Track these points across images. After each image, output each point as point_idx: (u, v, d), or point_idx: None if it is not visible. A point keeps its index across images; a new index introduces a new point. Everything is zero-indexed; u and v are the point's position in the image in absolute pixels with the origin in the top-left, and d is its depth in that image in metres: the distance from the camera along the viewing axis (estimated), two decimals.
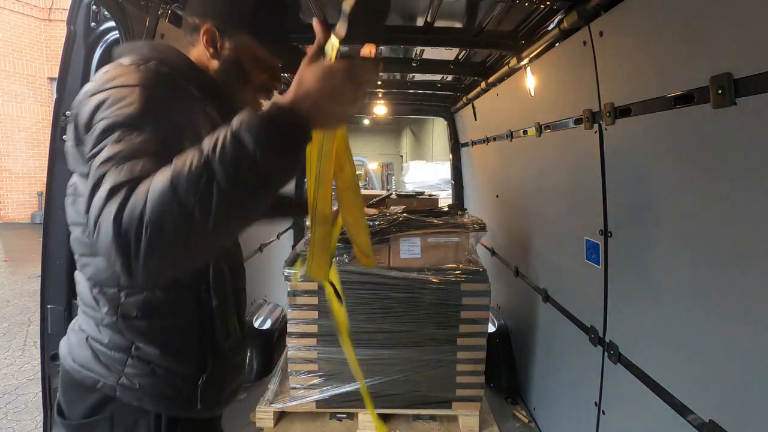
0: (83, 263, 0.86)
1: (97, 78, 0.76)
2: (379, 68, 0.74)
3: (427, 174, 11.61)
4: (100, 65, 1.57)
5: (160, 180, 0.58)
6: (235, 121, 0.61)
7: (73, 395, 0.87)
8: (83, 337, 0.87)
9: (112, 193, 0.59)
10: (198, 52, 0.93)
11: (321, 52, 0.72)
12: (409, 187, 11.11)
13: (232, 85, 0.94)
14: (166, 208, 0.56)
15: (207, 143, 0.60)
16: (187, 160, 0.59)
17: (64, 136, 1.55)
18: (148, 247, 0.56)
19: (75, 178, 0.84)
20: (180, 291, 0.84)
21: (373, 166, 12.30)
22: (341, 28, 0.69)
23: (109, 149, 0.66)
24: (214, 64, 0.93)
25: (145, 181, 0.60)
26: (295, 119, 0.64)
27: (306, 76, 0.67)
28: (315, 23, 0.74)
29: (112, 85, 0.73)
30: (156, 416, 0.85)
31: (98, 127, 0.69)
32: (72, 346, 0.88)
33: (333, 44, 0.70)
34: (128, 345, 0.84)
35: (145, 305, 0.83)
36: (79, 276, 0.89)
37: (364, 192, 3.80)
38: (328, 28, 0.73)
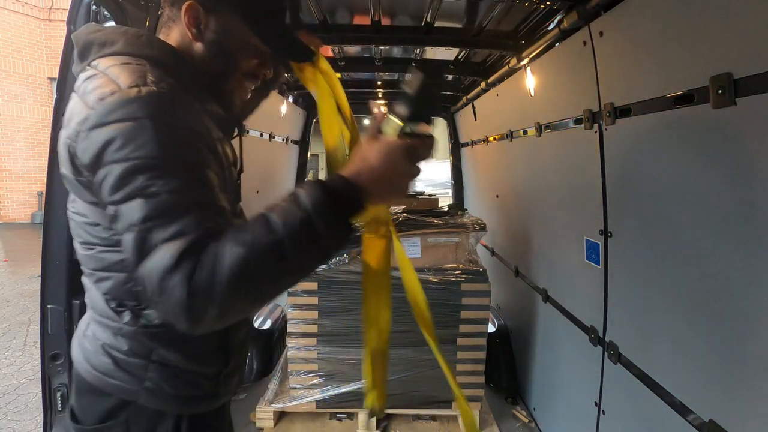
0: (99, 278, 0.85)
1: (94, 104, 0.71)
2: (435, 145, 0.77)
3: (436, 171, 11.74)
4: None
5: (230, 258, 0.62)
6: (306, 201, 0.66)
7: (90, 401, 0.87)
8: (99, 345, 0.86)
9: (179, 260, 0.62)
10: (178, 32, 0.85)
11: (379, 130, 0.75)
12: (419, 184, 11.35)
13: (219, 72, 0.88)
14: (240, 287, 0.62)
15: (276, 219, 0.65)
16: (257, 238, 0.63)
17: None
18: (218, 316, 0.63)
19: (80, 204, 0.83)
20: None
21: None
22: (403, 109, 0.74)
23: (142, 204, 0.66)
24: (198, 47, 0.85)
25: (210, 247, 0.63)
26: (359, 194, 0.69)
27: (369, 153, 0.71)
28: (371, 105, 0.80)
29: (115, 118, 0.69)
30: (175, 418, 0.86)
31: (114, 171, 0.67)
32: (88, 354, 0.87)
33: (394, 124, 0.74)
34: (148, 352, 0.84)
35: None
36: (92, 288, 0.88)
37: None
38: (388, 109, 0.77)
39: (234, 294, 0.62)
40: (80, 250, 0.87)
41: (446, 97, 4.15)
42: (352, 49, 2.96)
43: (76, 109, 0.76)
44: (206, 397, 0.90)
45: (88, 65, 0.80)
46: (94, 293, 0.88)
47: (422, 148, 0.74)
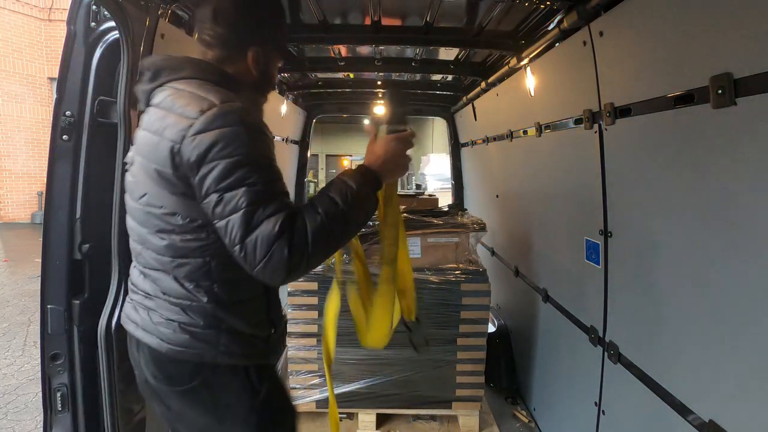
0: (178, 264, 1.04)
1: (196, 115, 0.95)
2: (414, 136, 1.14)
3: (446, 166, 11.82)
4: (100, 65, 1.57)
5: (313, 224, 0.94)
6: (351, 181, 1.02)
7: (174, 369, 1.07)
8: (175, 326, 1.05)
9: (280, 230, 0.90)
10: (238, 66, 1.15)
11: (375, 137, 1.13)
12: (430, 179, 11.69)
13: (265, 90, 1.25)
14: (321, 243, 0.95)
15: (335, 195, 0.98)
16: (327, 209, 0.96)
17: (64, 136, 1.55)
18: (306, 266, 0.95)
19: (163, 196, 1.01)
20: (254, 280, 0.98)
21: None
22: (385, 119, 1.20)
23: (246, 192, 0.92)
24: (254, 75, 1.17)
25: (298, 219, 0.94)
26: (377, 175, 1.08)
27: (374, 149, 1.11)
28: (367, 128, 1.23)
29: (217, 125, 0.93)
30: (244, 368, 1.10)
31: (220, 166, 0.92)
32: (165, 336, 1.06)
33: (382, 129, 1.15)
34: (219, 323, 1.06)
35: (233, 292, 1.07)
36: (164, 276, 1.06)
37: None
38: (376, 123, 1.20)
39: (318, 249, 0.94)
40: (154, 240, 1.05)
41: (446, 96, 4.16)
42: (352, 49, 2.96)
43: (169, 120, 0.98)
44: (262, 354, 1.16)
45: (161, 86, 1.07)
46: (166, 280, 1.06)
47: (405, 136, 1.12)
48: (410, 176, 13.14)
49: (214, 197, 0.93)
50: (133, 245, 1.14)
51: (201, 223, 1.01)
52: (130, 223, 1.12)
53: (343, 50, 2.91)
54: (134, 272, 1.17)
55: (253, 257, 0.91)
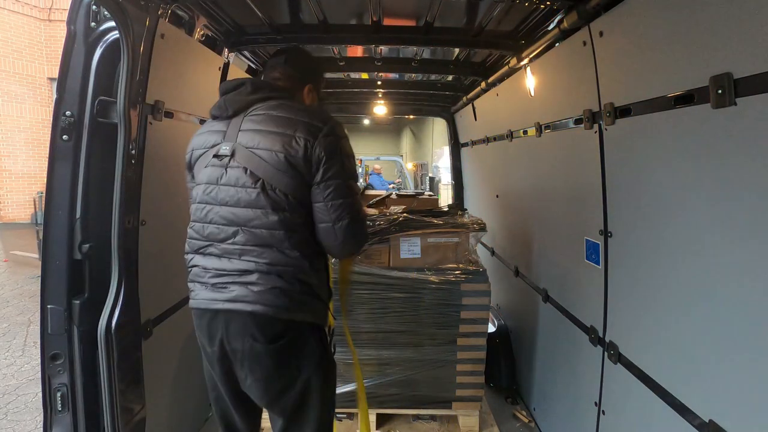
0: (289, 236, 1.29)
1: (326, 121, 1.34)
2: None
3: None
4: (100, 65, 1.57)
5: (364, 224, 1.42)
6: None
7: (272, 330, 1.30)
8: (278, 293, 1.29)
9: (357, 221, 1.36)
10: (296, 96, 1.53)
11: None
12: (442, 172, 11.85)
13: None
14: (365, 239, 1.44)
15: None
16: (365, 220, 1.45)
17: (64, 136, 1.55)
18: (362, 247, 1.53)
19: (291, 183, 1.29)
20: (325, 254, 1.42)
21: (408, 165, 12.66)
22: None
23: (352, 184, 1.37)
24: (306, 103, 1.56)
25: (363, 216, 1.41)
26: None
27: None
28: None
29: (339, 132, 1.36)
30: (319, 327, 1.40)
31: (342, 161, 1.33)
32: (270, 300, 1.28)
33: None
34: (313, 290, 1.35)
35: (319, 261, 1.39)
36: (268, 250, 1.29)
37: (368, 192, 3.81)
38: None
39: (365, 241, 1.45)
40: (267, 218, 1.28)
41: (446, 96, 4.16)
42: (352, 49, 2.96)
43: (298, 124, 1.31)
44: (326, 317, 1.44)
45: (265, 99, 1.39)
46: (272, 253, 1.29)
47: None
48: (424, 176, 13.17)
49: (331, 183, 1.30)
50: (218, 230, 1.32)
51: (303, 203, 1.31)
52: (223, 211, 1.31)
53: (343, 50, 2.91)
54: (211, 260, 1.34)
55: (351, 234, 1.33)
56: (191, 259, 1.39)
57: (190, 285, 1.39)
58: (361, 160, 13.62)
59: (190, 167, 1.46)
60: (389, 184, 11.83)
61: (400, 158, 12.45)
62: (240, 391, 1.42)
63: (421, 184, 12.62)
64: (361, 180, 13.03)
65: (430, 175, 12.39)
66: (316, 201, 1.32)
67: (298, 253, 1.30)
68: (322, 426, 1.42)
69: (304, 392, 1.37)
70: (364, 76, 3.64)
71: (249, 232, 1.29)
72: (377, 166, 12.70)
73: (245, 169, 1.30)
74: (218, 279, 1.33)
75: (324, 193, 1.30)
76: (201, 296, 1.35)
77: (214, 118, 1.43)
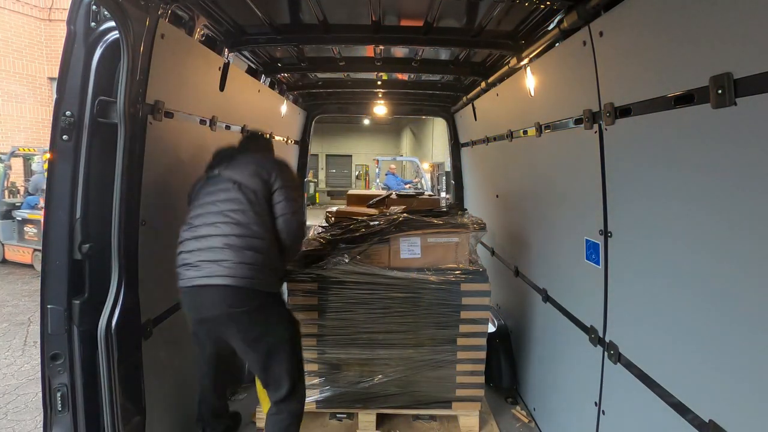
0: (259, 227, 1.82)
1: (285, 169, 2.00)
2: None
3: None
4: (100, 65, 1.57)
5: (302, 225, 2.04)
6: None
7: (241, 297, 1.74)
8: (251, 268, 1.74)
9: (303, 223, 1.99)
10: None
11: None
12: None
13: None
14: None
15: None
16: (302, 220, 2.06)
17: (64, 136, 1.55)
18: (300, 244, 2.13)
19: (256, 191, 1.86)
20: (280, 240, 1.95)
21: (424, 166, 12.61)
22: None
23: (296, 202, 1.96)
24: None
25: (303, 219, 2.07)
26: None
27: None
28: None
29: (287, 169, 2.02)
30: (279, 295, 1.95)
31: (285, 185, 1.92)
32: (244, 273, 1.73)
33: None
34: (280, 266, 1.93)
35: (277, 244, 1.89)
36: (254, 238, 1.79)
37: (368, 192, 3.82)
38: None
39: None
40: (254, 216, 1.81)
41: (446, 96, 4.16)
42: (352, 49, 2.96)
43: (267, 165, 1.96)
44: (281, 286, 2.02)
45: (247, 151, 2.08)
46: (256, 240, 1.79)
47: None
48: (440, 176, 13.04)
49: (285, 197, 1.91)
50: (220, 227, 1.78)
51: (269, 210, 1.87)
52: (231, 213, 1.79)
53: (343, 50, 2.91)
54: (200, 242, 1.79)
55: (292, 233, 1.91)
56: None
57: None
58: (378, 160, 13.59)
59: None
60: (406, 183, 11.76)
61: (417, 159, 12.35)
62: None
63: (438, 184, 12.49)
64: (377, 180, 13.03)
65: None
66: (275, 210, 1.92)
67: (270, 237, 1.86)
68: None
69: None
70: (364, 75, 3.64)
71: (239, 226, 1.83)
72: (392, 166, 12.65)
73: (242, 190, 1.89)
74: (199, 259, 1.83)
75: (276, 205, 1.90)
76: (187, 275, 1.80)
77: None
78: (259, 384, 2.26)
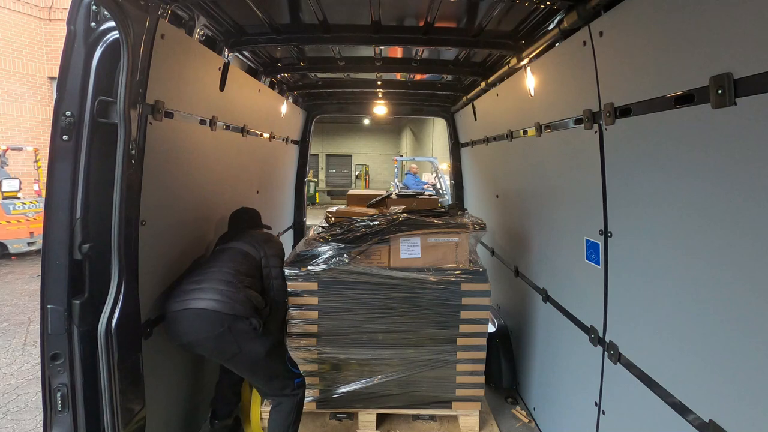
0: (257, 289, 2.13)
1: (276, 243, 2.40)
2: None
3: None
4: (100, 65, 1.57)
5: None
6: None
7: (240, 325, 1.93)
8: (249, 307, 1.98)
9: (286, 289, 2.33)
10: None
11: None
12: None
13: None
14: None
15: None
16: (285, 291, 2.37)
17: (64, 136, 1.55)
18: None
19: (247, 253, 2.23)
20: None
21: (443, 166, 12.49)
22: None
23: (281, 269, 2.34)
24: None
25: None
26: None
27: None
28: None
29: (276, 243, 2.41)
30: (249, 319, 1.98)
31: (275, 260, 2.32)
32: (240, 311, 1.93)
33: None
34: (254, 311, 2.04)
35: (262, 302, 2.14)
36: (253, 293, 2.06)
37: (368, 192, 3.83)
38: None
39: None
40: (251, 280, 2.12)
41: (446, 96, 4.16)
42: (352, 49, 2.96)
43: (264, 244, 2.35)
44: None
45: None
46: (256, 298, 2.05)
47: None
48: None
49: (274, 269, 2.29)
50: (219, 274, 2.03)
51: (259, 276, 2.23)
52: (226, 265, 2.09)
53: (343, 50, 2.91)
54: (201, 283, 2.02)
55: (280, 296, 2.27)
56: None
57: None
58: (397, 160, 13.54)
59: None
60: (424, 184, 11.67)
61: (436, 159, 12.13)
62: None
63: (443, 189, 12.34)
64: (395, 180, 12.96)
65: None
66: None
67: (258, 301, 2.09)
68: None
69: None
70: (365, 75, 3.64)
71: (225, 273, 2.11)
72: (414, 166, 12.54)
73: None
74: (200, 291, 2.04)
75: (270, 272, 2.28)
76: (188, 304, 1.95)
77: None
78: (244, 397, 2.45)
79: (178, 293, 1.94)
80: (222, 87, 2.40)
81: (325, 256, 2.31)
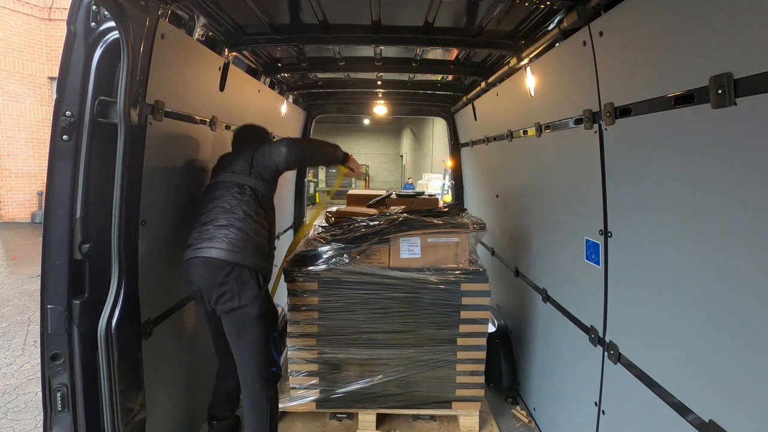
0: (262, 224, 2.10)
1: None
2: (364, 175, 2.34)
3: None
4: (100, 65, 1.57)
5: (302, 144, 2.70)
6: (333, 145, 2.32)
7: (220, 269, 1.91)
8: (236, 243, 1.92)
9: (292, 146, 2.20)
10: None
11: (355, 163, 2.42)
12: None
13: None
14: (304, 154, 2.32)
15: (323, 144, 2.32)
16: (314, 144, 2.44)
17: (64, 136, 1.55)
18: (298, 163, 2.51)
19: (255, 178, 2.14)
20: (269, 238, 2.15)
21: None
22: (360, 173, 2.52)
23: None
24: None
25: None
26: (345, 155, 2.36)
27: (352, 159, 2.41)
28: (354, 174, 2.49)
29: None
30: (257, 272, 1.99)
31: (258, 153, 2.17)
32: (230, 246, 1.92)
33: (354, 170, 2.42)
34: (263, 248, 2.06)
35: (270, 238, 2.17)
36: (238, 219, 1.98)
37: (368, 192, 3.83)
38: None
39: (303, 155, 2.30)
40: (240, 203, 2.04)
41: (446, 96, 4.16)
42: (352, 49, 2.96)
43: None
44: (268, 268, 2.10)
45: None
46: (239, 222, 1.99)
47: (359, 171, 2.46)
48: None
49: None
50: (220, 214, 1.99)
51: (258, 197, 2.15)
52: (227, 202, 2.03)
53: (343, 50, 2.91)
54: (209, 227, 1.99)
55: (283, 154, 2.10)
56: None
57: None
58: (446, 162, 13.62)
59: None
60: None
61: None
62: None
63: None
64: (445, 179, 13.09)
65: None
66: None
67: (264, 236, 2.12)
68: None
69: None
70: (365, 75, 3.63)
71: (232, 213, 2.09)
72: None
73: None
74: (205, 238, 2.08)
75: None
76: (198, 252, 1.98)
77: None
78: None
79: (190, 241, 1.96)
80: (222, 87, 2.40)
81: (325, 256, 2.30)
